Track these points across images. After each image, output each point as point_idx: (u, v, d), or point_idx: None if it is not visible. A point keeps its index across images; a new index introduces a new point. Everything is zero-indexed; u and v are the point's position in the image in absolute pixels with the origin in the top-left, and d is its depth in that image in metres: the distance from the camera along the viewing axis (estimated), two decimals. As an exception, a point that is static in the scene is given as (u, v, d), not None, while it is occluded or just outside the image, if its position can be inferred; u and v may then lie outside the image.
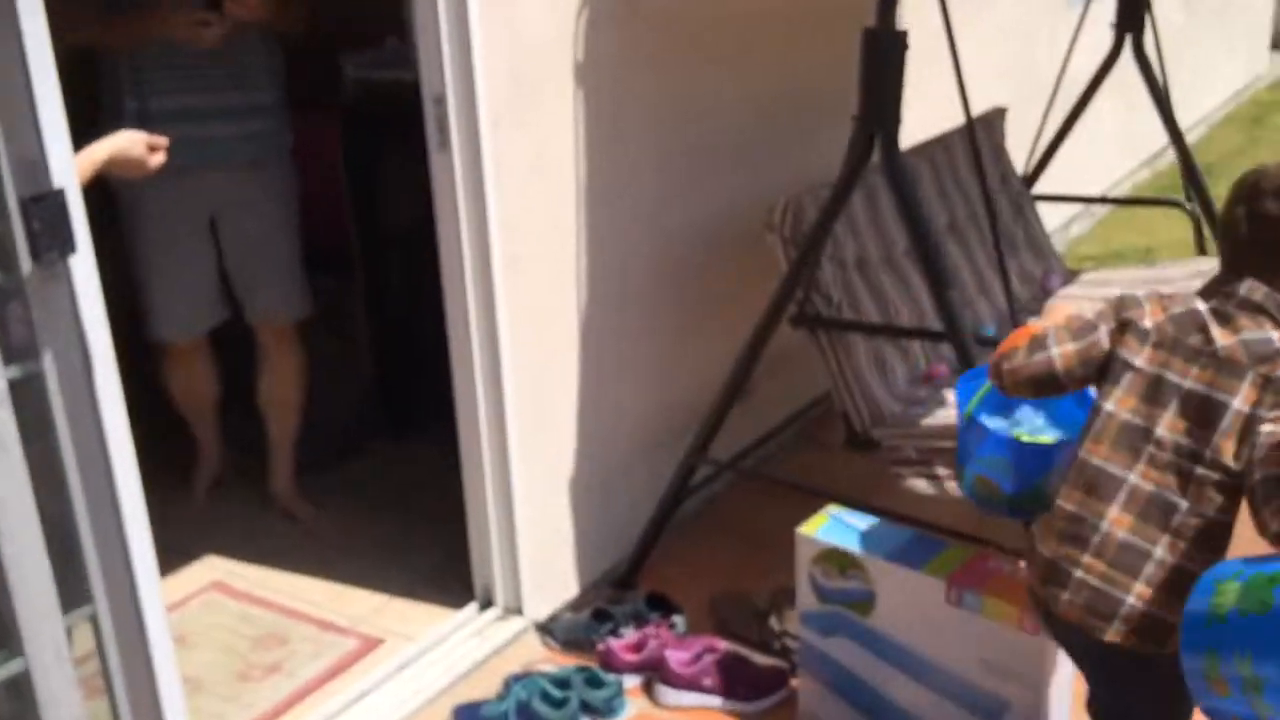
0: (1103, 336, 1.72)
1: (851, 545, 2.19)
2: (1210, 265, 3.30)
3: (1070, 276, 3.58)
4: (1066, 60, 3.41)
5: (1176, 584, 1.58)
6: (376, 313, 3.35)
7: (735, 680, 2.35)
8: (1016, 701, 2.03)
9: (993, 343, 2.81)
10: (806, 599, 2.26)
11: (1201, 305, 1.65)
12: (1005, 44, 4.50)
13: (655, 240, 2.76)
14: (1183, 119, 7.38)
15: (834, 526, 2.25)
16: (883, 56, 2.23)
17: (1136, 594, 1.61)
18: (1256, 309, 1.60)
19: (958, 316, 2.26)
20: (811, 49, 3.04)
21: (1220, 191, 6.47)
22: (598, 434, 2.68)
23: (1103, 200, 3.94)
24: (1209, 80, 7.69)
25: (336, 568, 2.78)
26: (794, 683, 2.36)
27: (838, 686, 2.25)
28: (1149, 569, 1.61)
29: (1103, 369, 1.71)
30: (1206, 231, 3.46)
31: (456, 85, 2.24)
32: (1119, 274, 3.48)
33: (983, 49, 4.35)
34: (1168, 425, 1.62)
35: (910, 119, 3.70)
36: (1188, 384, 1.61)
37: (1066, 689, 2.05)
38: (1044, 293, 3.45)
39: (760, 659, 2.44)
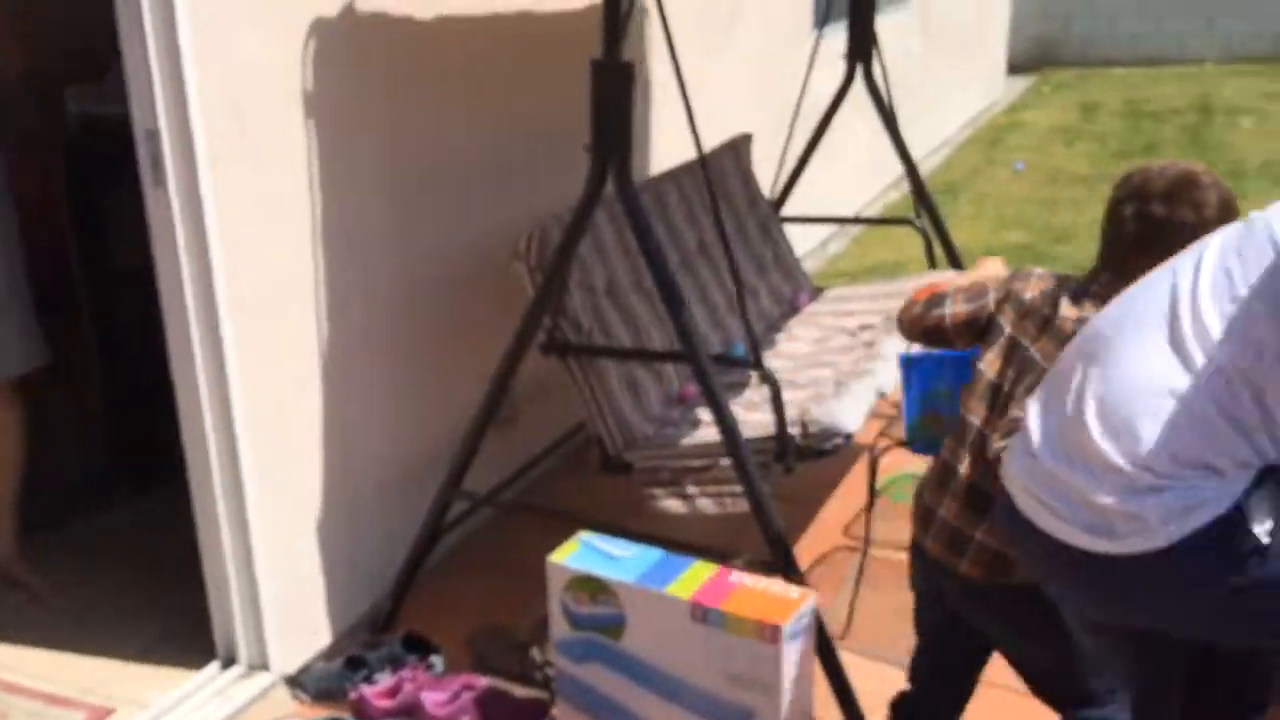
0: (990, 302, 1.91)
1: (600, 570, 2.19)
2: (939, 276, 3.55)
3: (817, 293, 3.75)
4: (804, 88, 3.57)
5: None
6: (107, 355, 3.15)
7: (494, 716, 2.32)
8: (760, 710, 2.08)
9: (743, 362, 2.92)
10: (560, 627, 2.25)
11: (1066, 285, 1.83)
12: (755, 71, 4.69)
13: (400, 273, 2.71)
14: (928, 141, 7.93)
15: (584, 553, 2.26)
16: (610, 87, 2.27)
17: (983, 531, 1.77)
18: (1105, 302, 1.73)
19: (694, 339, 2.31)
20: (556, 77, 3.07)
21: (962, 208, 6.90)
22: (346, 474, 2.60)
23: (840, 220, 4.14)
24: (951, 105, 8.26)
25: (64, 635, 2.58)
26: (554, 712, 2.35)
27: (595, 712, 2.25)
28: (992, 509, 1.76)
29: (986, 331, 1.89)
30: (937, 248, 3.68)
31: (170, 118, 2.13)
32: (859, 290, 3.66)
33: (734, 76, 4.53)
34: (1010, 382, 1.80)
35: (667, 143, 3.80)
36: (1031, 350, 1.79)
37: (808, 692, 2.12)
38: (793, 310, 3.59)
39: (520, 691, 2.42)
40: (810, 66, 3.56)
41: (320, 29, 2.37)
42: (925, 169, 7.43)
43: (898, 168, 3.86)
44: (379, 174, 2.60)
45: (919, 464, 3.21)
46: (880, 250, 5.57)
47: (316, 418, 2.50)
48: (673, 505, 2.61)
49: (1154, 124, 8.35)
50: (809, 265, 5.44)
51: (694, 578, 2.18)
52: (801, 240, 5.31)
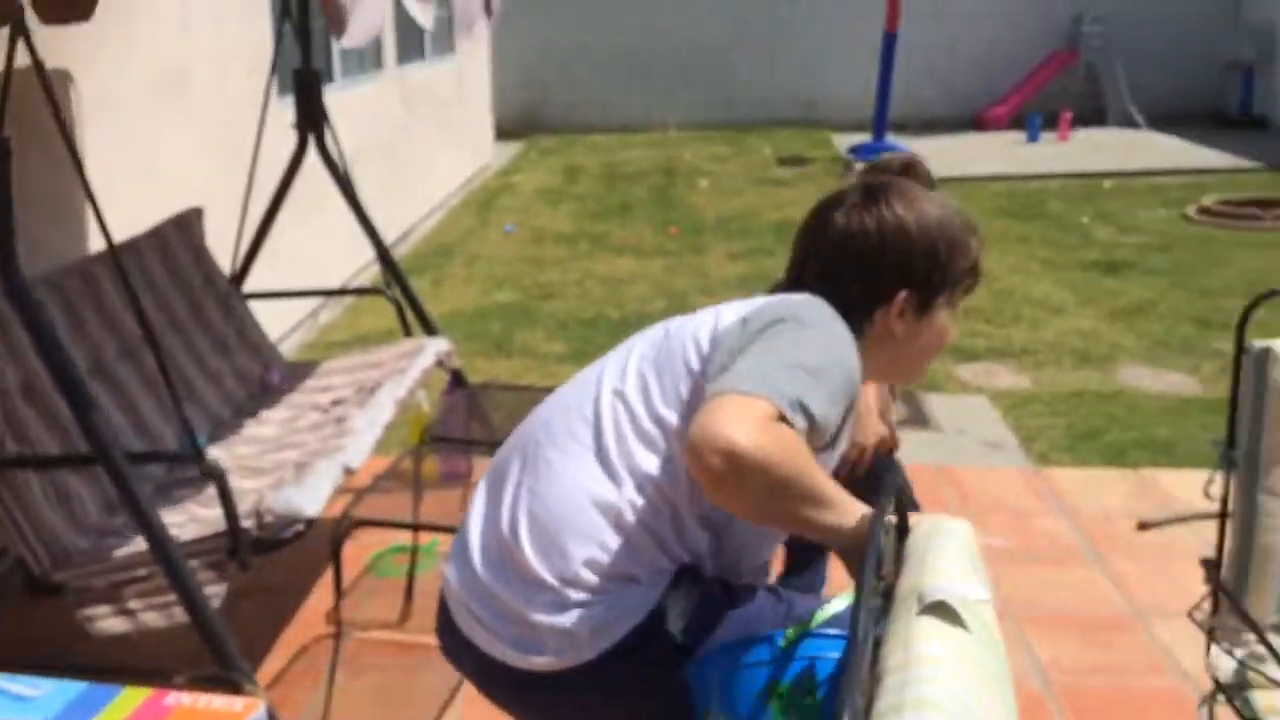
0: None
1: (5, 717, 1.90)
2: (413, 345, 3.56)
3: (295, 369, 3.60)
4: (254, 160, 3.43)
5: None
6: None
7: None
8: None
9: (176, 456, 2.69)
10: (-39, 796, 1.91)
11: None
12: (219, 140, 4.45)
13: None
14: (421, 206, 8.05)
15: (-12, 701, 1.94)
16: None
17: None
18: None
19: (104, 439, 2.09)
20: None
21: (456, 269, 7.03)
22: None
23: (307, 294, 4.05)
24: (442, 169, 8.46)
25: None
26: None
27: None
28: None
29: None
30: (410, 316, 3.68)
31: None
32: (337, 363, 3.56)
33: (195, 146, 4.27)
34: None
35: (113, 218, 3.47)
36: None
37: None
38: (263, 389, 3.42)
39: None
40: (259, 137, 3.44)
41: None
42: (421, 232, 7.54)
43: (392, 233, 3.82)
44: None
45: (404, 537, 3.19)
46: (372, 318, 5.52)
47: None
48: (113, 625, 2.34)
49: (627, 185, 9.13)
50: (298, 337, 5.26)
51: (122, 708, 1.94)
52: (289, 312, 5.12)
